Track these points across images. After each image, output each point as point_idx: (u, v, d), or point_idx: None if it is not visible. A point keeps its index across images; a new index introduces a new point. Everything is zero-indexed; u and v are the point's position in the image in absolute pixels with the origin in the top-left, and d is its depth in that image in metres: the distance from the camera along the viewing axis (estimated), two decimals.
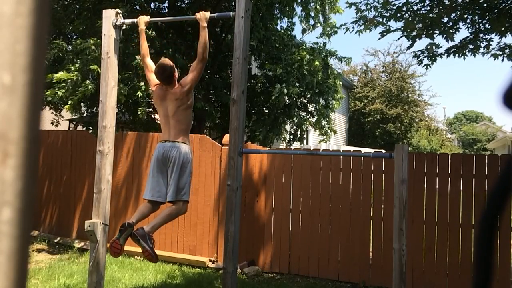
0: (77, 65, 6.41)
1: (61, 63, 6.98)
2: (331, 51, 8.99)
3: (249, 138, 8.64)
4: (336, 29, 8.89)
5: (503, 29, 5.52)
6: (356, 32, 6.17)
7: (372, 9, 5.86)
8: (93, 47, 6.32)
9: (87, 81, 6.31)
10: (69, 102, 6.42)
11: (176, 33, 8.40)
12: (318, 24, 9.24)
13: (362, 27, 6.03)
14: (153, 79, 3.80)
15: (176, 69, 3.78)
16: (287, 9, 8.75)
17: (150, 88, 3.92)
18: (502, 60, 6.20)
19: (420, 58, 6.25)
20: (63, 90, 6.33)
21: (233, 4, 8.08)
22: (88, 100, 7.02)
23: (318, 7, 8.88)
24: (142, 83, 6.71)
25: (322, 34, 9.24)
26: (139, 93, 6.65)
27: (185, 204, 3.67)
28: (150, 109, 8.21)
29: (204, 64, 3.67)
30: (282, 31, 9.25)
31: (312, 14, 9.04)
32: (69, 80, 6.29)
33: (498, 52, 6.12)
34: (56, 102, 7.53)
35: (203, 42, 3.54)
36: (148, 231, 3.46)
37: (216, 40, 8.70)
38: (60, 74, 6.30)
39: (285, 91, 7.63)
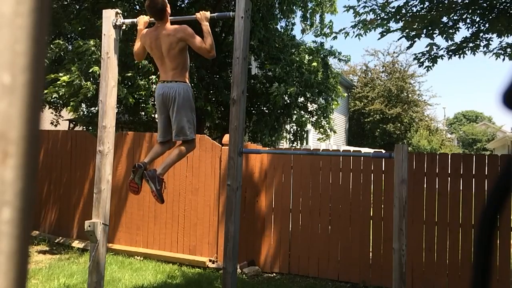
0: (77, 65, 6.41)
1: (61, 63, 6.98)
2: (330, 51, 8.99)
3: (252, 139, 8.64)
4: (336, 34, 8.93)
5: (503, 29, 5.51)
6: (356, 36, 6.19)
7: (371, 13, 5.86)
8: (93, 48, 6.31)
9: (88, 83, 6.31)
10: (71, 104, 6.42)
11: None
12: (314, 25, 9.26)
13: (362, 30, 6.04)
14: (140, 34, 3.71)
15: (168, 5, 3.62)
16: (285, 8, 8.76)
17: (137, 44, 3.76)
18: (503, 59, 6.20)
19: (421, 60, 6.24)
20: (63, 90, 6.33)
21: (233, 4, 8.08)
22: (89, 100, 7.02)
23: (317, 8, 8.90)
24: (144, 82, 6.71)
25: (319, 34, 9.24)
26: (142, 93, 6.65)
27: (192, 141, 3.73)
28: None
29: (205, 50, 3.53)
30: (282, 31, 9.26)
31: (309, 16, 9.05)
32: (73, 81, 6.29)
33: (499, 52, 6.12)
34: (56, 101, 7.53)
35: (205, 34, 3.52)
36: (159, 173, 3.57)
37: (216, 40, 8.68)
38: (66, 77, 6.30)
39: (283, 89, 7.63)
